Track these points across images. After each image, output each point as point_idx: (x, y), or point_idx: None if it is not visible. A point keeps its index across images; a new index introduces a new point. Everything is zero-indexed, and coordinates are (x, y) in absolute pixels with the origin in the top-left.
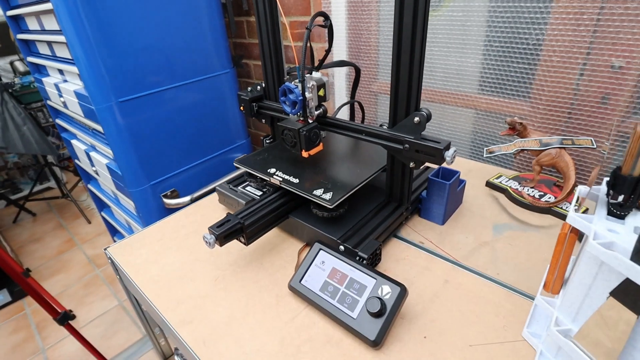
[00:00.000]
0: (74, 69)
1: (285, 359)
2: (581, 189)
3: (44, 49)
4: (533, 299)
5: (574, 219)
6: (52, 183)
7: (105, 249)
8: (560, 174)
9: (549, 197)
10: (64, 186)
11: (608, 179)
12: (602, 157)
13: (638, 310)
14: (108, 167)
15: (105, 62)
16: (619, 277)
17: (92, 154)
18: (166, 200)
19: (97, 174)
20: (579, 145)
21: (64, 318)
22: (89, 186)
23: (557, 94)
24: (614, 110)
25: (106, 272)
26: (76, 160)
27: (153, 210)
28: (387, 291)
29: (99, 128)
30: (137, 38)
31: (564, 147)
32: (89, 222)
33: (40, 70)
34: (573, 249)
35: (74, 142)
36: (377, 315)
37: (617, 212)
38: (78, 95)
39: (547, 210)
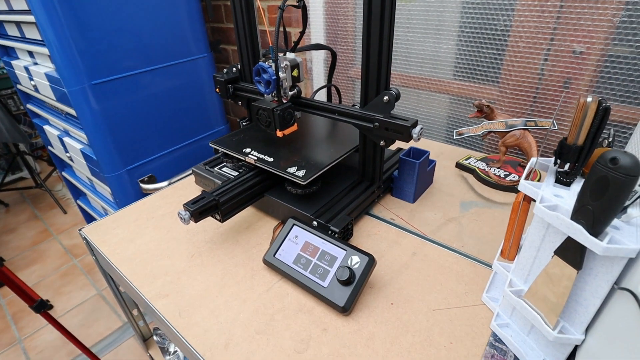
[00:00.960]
0: (45, 50)
1: (259, 327)
2: (532, 160)
3: (12, 31)
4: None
5: (525, 186)
6: (25, 173)
7: (79, 230)
8: (524, 154)
9: (513, 177)
10: (38, 176)
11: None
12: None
13: (578, 265)
14: (82, 153)
15: (77, 43)
16: (562, 237)
17: (66, 139)
18: (143, 186)
19: (71, 160)
20: (541, 126)
21: (40, 306)
22: (64, 173)
23: (523, 78)
24: (575, 93)
25: (84, 261)
26: (49, 147)
27: (130, 196)
28: (356, 261)
29: (72, 112)
30: (109, 19)
31: (527, 129)
32: (65, 213)
33: (9, 53)
34: (526, 217)
35: (46, 127)
36: (347, 283)
37: (564, 179)
38: (49, 77)
39: (511, 188)
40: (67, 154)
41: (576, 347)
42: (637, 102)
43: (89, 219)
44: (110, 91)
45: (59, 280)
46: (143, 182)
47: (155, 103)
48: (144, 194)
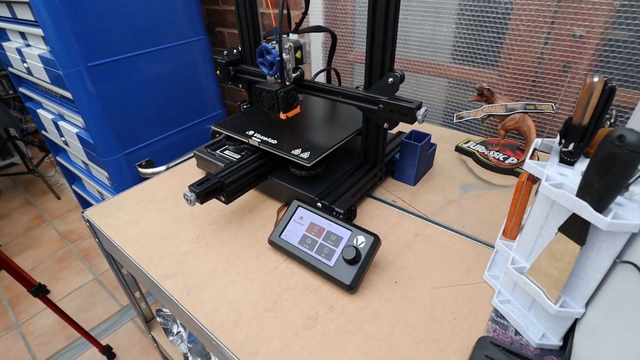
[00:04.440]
0: (38, 31)
1: (267, 305)
2: (537, 140)
3: (3, 11)
4: (494, 247)
5: (530, 165)
6: (16, 158)
7: (82, 212)
8: (523, 137)
9: (512, 160)
10: (30, 161)
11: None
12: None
13: (581, 241)
14: (78, 137)
15: (71, 23)
16: (566, 214)
17: (61, 123)
18: (141, 170)
19: (66, 144)
20: (541, 110)
21: (39, 290)
22: (58, 158)
23: (522, 62)
24: (575, 77)
25: (80, 247)
26: (43, 132)
27: (128, 180)
28: (361, 241)
29: (68, 95)
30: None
31: (527, 112)
32: (59, 198)
33: (0, 34)
34: (529, 198)
35: (39, 111)
36: (352, 262)
37: (568, 159)
38: (43, 59)
39: (510, 171)
40: (62, 138)
41: (576, 321)
42: (634, 86)
43: (84, 203)
44: (107, 74)
45: (55, 265)
46: (141, 166)
47: (152, 86)
48: (142, 178)
